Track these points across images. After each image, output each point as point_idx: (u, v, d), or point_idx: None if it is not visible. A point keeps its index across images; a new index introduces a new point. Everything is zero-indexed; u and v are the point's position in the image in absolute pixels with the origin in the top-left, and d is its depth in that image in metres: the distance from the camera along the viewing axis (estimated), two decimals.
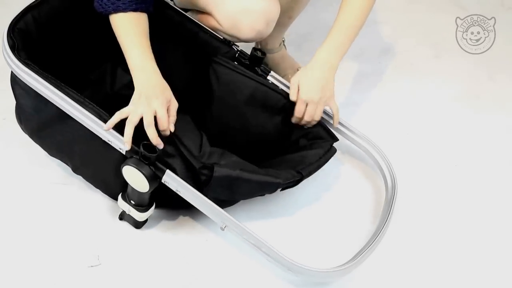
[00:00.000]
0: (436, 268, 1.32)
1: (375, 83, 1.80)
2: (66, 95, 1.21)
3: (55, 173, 1.43)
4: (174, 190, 1.20)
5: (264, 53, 1.43)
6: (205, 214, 1.22)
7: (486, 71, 1.89)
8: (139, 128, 1.21)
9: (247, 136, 1.40)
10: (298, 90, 1.37)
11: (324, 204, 1.43)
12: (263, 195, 1.32)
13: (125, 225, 1.32)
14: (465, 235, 1.40)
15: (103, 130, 1.19)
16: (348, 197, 1.45)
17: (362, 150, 1.48)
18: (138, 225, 1.32)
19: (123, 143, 1.18)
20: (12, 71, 1.28)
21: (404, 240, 1.36)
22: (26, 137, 1.39)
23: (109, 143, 1.20)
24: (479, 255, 1.36)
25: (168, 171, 1.18)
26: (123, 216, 1.32)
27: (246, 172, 1.25)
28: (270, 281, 1.26)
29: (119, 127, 1.19)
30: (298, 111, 1.37)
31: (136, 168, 1.17)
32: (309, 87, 1.36)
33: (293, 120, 1.39)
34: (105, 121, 1.19)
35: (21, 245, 1.30)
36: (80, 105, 1.21)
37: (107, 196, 1.37)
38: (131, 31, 1.27)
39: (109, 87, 1.49)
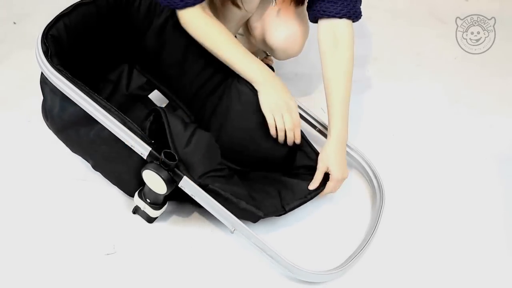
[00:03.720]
0: (422, 267, 1.38)
1: (364, 89, 1.90)
2: (94, 101, 1.27)
3: (76, 170, 1.52)
4: (189, 194, 1.30)
5: (272, 69, 1.53)
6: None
7: (463, 74, 1.98)
8: (159, 135, 1.31)
9: (254, 152, 1.46)
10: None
11: (320, 211, 1.49)
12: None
13: (138, 218, 1.42)
14: (449, 235, 1.46)
15: (126, 135, 1.27)
16: (342, 206, 1.52)
17: (352, 161, 1.57)
18: (150, 220, 1.41)
19: (145, 149, 1.27)
20: (42, 71, 1.33)
21: (392, 243, 1.44)
22: (50, 139, 1.45)
23: (132, 148, 1.28)
24: (466, 257, 1.41)
25: (185, 177, 1.27)
26: (136, 211, 1.41)
27: (235, 197, 1.31)
28: (269, 268, 1.35)
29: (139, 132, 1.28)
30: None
31: (156, 173, 1.26)
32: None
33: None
34: (129, 128, 1.27)
35: (45, 234, 1.39)
36: (107, 112, 1.27)
37: (123, 192, 1.46)
38: (216, 32, 1.34)
39: (125, 88, 1.57)
